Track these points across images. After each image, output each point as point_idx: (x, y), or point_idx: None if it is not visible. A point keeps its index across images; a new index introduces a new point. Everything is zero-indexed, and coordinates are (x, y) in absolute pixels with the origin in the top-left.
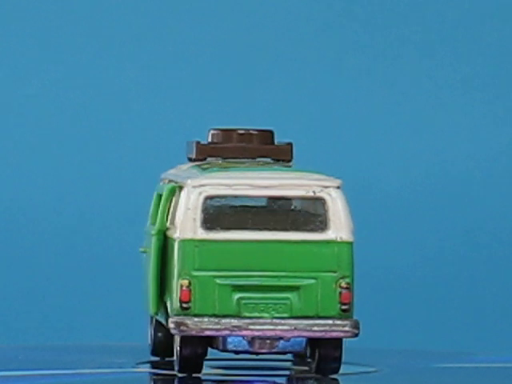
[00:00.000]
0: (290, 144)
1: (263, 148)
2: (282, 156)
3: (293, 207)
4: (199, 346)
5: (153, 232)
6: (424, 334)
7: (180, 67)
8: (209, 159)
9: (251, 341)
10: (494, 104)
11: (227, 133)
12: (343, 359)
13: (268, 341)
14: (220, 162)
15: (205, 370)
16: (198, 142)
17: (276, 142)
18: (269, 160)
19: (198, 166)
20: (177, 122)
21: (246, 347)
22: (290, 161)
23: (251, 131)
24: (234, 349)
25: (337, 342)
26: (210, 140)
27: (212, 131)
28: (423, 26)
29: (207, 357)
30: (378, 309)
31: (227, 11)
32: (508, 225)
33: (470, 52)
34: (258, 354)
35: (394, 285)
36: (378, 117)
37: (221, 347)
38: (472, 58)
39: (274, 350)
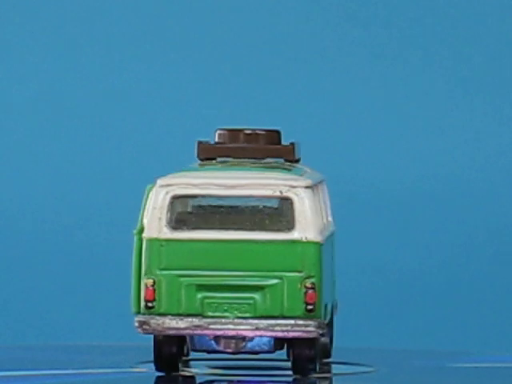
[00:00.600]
0: (293, 144)
1: (264, 148)
2: (285, 156)
3: (261, 207)
4: (174, 345)
5: (134, 231)
6: (423, 333)
7: (188, 67)
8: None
9: (217, 340)
10: (495, 104)
11: (233, 133)
12: (342, 359)
13: (233, 340)
14: (214, 161)
15: (204, 370)
16: (199, 142)
17: (288, 142)
18: (272, 160)
19: (192, 165)
20: (186, 123)
21: (214, 347)
22: (292, 161)
23: (257, 131)
24: (203, 348)
25: (310, 342)
26: (216, 140)
27: (218, 131)
28: (423, 26)
29: (207, 357)
30: (376, 308)
31: (234, 10)
32: (508, 224)
33: (470, 52)
34: (225, 353)
35: (392, 284)
36: (381, 117)
37: (190, 346)
38: (473, 58)
39: (241, 350)
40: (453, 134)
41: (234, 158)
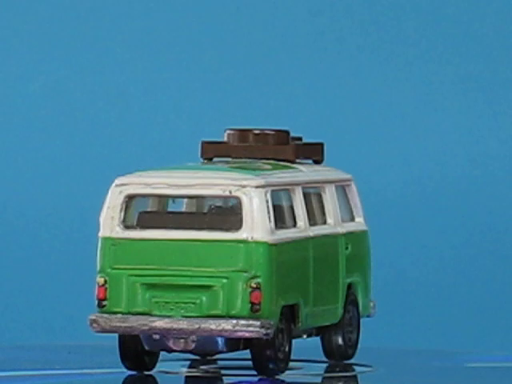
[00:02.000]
0: (293, 145)
1: (265, 148)
2: (285, 156)
3: (213, 207)
4: (139, 343)
5: None
6: (422, 333)
7: (194, 66)
8: (215, 159)
9: (167, 339)
10: (498, 103)
11: (242, 133)
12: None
13: (182, 340)
14: (206, 161)
15: (202, 370)
16: (203, 142)
17: (307, 141)
18: (267, 161)
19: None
20: (193, 124)
21: (166, 346)
22: (293, 161)
23: (266, 131)
24: (157, 347)
25: (268, 342)
26: (225, 140)
27: (228, 131)
28: (423, 26)
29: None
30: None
31: (240, 8)
32: (509, 225)
33: (473, 51)
34: (175, 352)
35: (390, 282)
36: (382, 116)
37: (145, 346)
38: (475, 58)
39: (191, 349)
40: (457, 133)
41: (239, 157)
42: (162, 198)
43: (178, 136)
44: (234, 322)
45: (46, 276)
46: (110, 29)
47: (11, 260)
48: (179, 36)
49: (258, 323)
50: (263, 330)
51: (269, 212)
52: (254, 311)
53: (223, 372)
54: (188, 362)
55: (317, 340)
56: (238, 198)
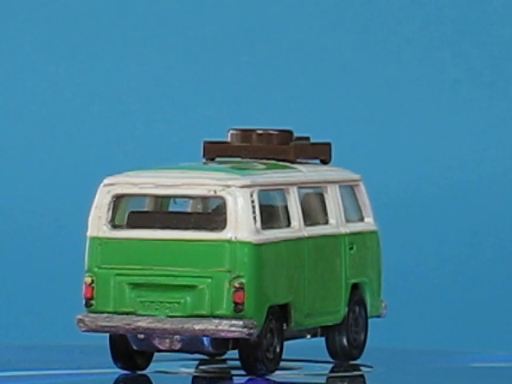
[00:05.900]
0: (294, 145)
1: (265, 148)
2: (284, 156)
3: (198, 206)
4: (129, 343)
5: None
6: (423, 333)
7: (197, 65)
8: (217, 159)
9: (152, 339)
10: (502, 103)
11: (245, 133)
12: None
13: (167, 340)
14: (204, 160)
15: (201, 370)
16: (205, 142)
17: (315, 141)
18: (269, 161)
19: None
20: (199, 125)
21: (152, 345)
22: (293, 161)
23: (270, 131)
24: (144, 346)
25: (255, 342)
26: (228, 140)
27: (231, 131)
28: (424, 26)
29: (203, 357)
30: None
31: (242, 9)
32: (509, 225)
33: (475, 51)
34: (162, 351)
35: (390, 282)
36: (390, 116)
37: (132, 345)
38: (477, 58)
39: (177, 349)
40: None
41: (240, 157)
42: (159, 198)
43: (181, 136)
44: (217, 321)
45: (44, 275)
46: (110, 27)
47: (6, 260)
48: (182, 34)
49: (241, 323)
50: (246, 330)
51: (254, 212)
52: (237, 311)
53: (233, 372)
54: (190, 362)
55: (318, 340)
56: (222, 198)
